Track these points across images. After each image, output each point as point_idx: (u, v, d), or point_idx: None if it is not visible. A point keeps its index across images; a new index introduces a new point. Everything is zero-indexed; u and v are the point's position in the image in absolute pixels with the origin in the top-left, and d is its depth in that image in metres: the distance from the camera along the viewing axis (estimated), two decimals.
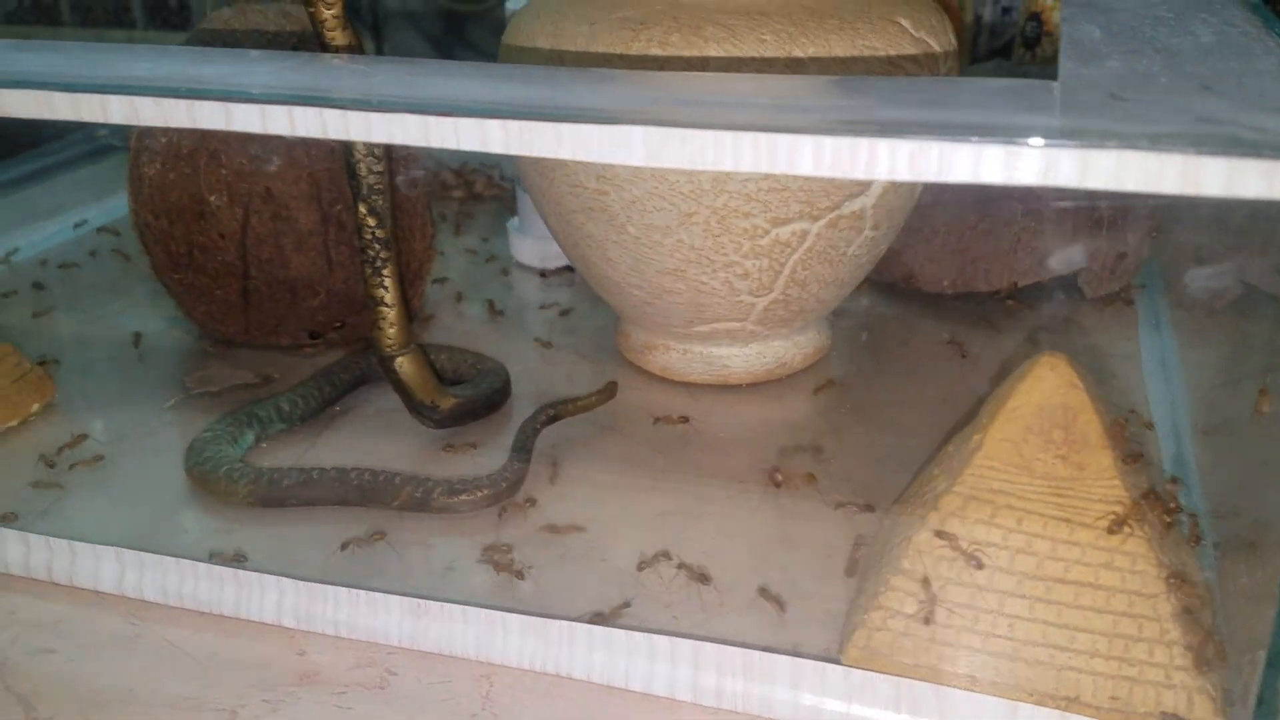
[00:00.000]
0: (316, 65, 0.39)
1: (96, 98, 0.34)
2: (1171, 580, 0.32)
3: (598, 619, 0.40)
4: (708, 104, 0.32)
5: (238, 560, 0.44)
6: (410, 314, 0.53)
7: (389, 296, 0.49)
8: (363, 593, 0.40)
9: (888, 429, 0.53)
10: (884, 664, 0.35)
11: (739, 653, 0.36)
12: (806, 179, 0.46)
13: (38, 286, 0.70)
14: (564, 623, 0.38)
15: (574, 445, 0.52)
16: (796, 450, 0.51)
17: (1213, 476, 0.46)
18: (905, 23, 0.47)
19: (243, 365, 0.59)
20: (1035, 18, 0.85)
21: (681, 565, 0.43)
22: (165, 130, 0.56)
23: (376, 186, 0.48)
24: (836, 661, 0.36)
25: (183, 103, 0.34)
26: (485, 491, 0.47)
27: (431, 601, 0.39)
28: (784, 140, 0.28)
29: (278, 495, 0.47)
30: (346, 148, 0.47)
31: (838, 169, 0.28)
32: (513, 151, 0.31)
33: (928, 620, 0.34)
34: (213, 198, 0.56)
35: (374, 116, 0.32)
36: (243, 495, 0.47)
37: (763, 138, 0.28)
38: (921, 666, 0.35)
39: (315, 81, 0.36)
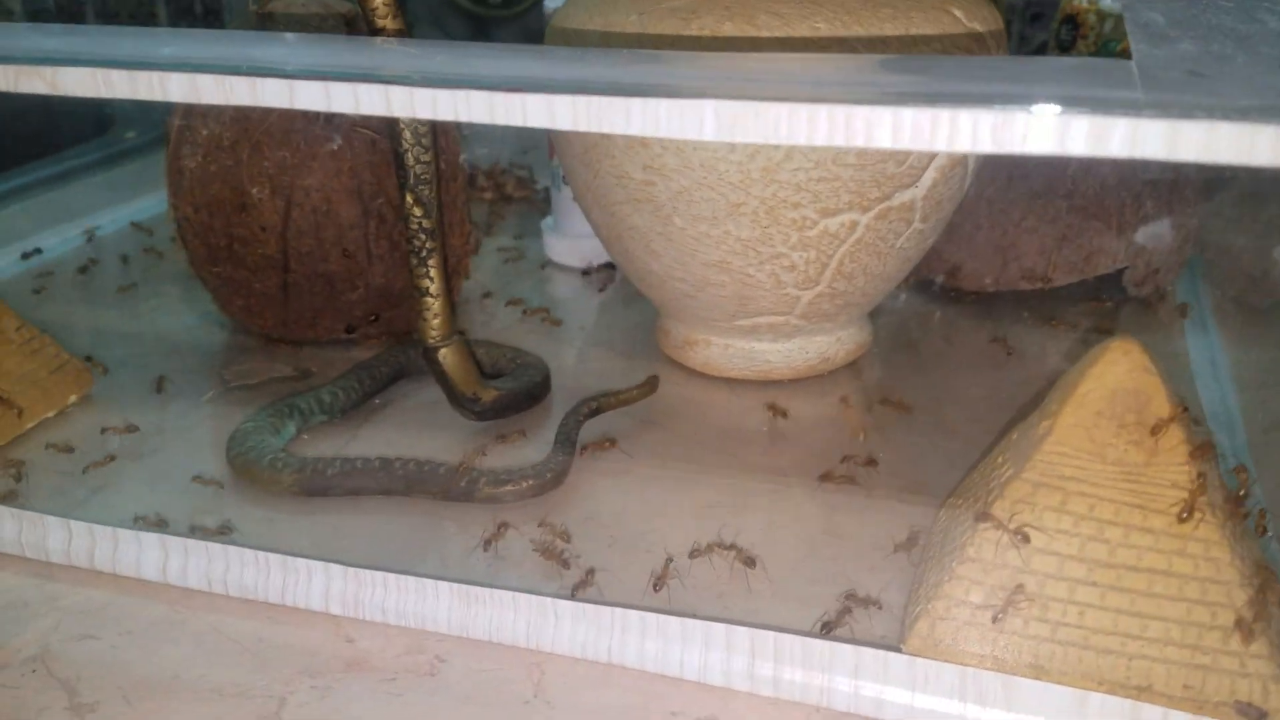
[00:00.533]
0: (373, 47, 0.39)
1: (155, 75, 0.34)
2: (1247, 567, 0.32)
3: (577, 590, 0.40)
4: (779, 80, 0.31)
5: (223, 533, 0.44)
6: (454, 304, 0.52)
7: (434, 287, 0.49)
8: (411, 579, 0.39)
9: (933, 427, 0.52)
10: (947, 653, 0.35)
11: (797, 640, 0.36)
12: (857, 169, 0.46)
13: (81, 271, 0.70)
14: (616, 609, 0.38)
15: (617, 438, 0.52)
16: (842, 445, 0.51)
17: (1271, 473, 0.45)
18: (958, 12, 0.47)
19: (280, 360, 0.59)
20: (1070, 20, 0.85)
21: (732, 546, 0.42)
22: (206, 122, 0.56)
23: (424, 176, 0.47)
24: (899, 650, 0.35)
25: (244, 80, 0.33)
26: (530, 482, 0.46)
27: (481, 588, 0.39)
28: (861, 113, 0.28)
29: (322, 485, 0.46)
30: (393, 137, 0.47)
31: (917, 141, 0.27)
32: (580, 128, 0.31)
33: (1004, 610, 0.33)
34: (254, 190, 0.55)
35: (440, 93, 0.32)
36: (287, 484, 0.46)
37: (840, 110, 0.28)
38: (987, 656, 0.34)
39: (374, 61, 0.36)
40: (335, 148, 0.56)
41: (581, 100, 0.30)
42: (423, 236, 0.48)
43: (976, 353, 0.59)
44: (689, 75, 0.33)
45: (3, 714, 0.36)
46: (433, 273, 0.49)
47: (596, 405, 0.52)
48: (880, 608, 0.39)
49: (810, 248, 0.49)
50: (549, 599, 0.38)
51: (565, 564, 0.42)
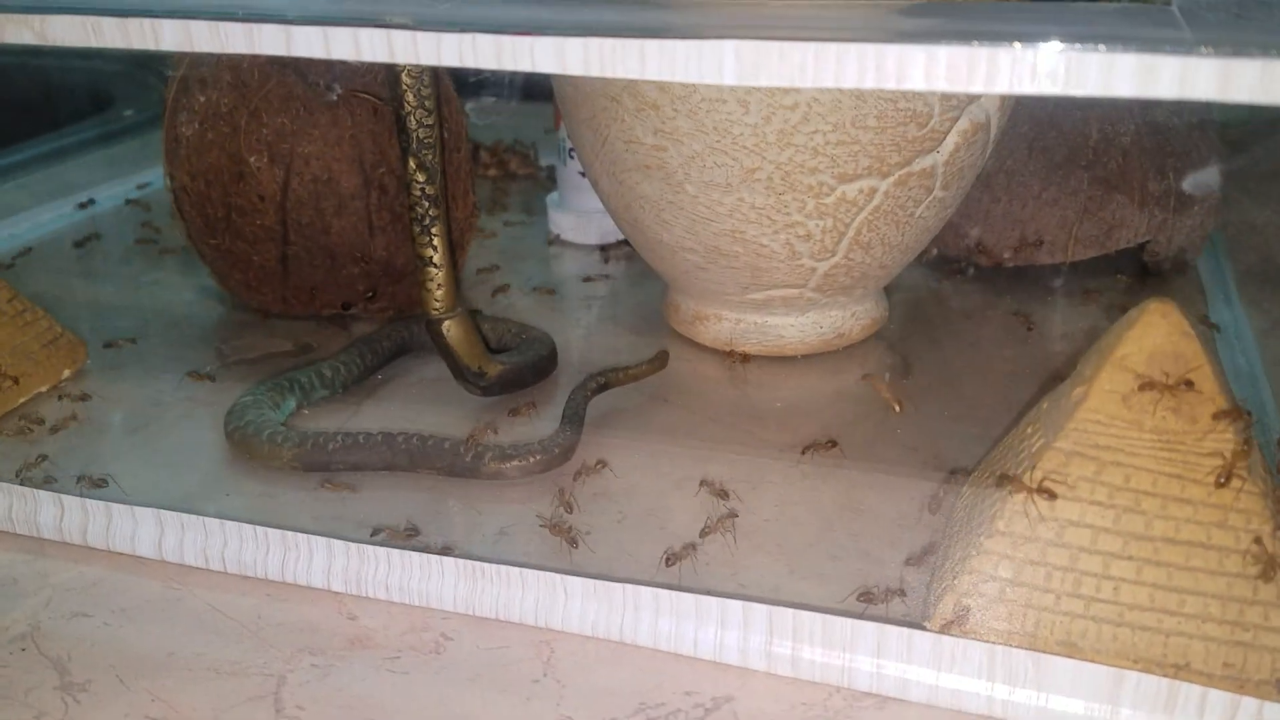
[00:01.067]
0: None
1: (148, 22, 0.33)
2: None
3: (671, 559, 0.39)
4: (801, 24, 0.30)
5: (98, 485, 0.44)
6: (457, 277, 0.51)
7: (438, 257, 0.47)
8: (415, 555, 0.38)
9: (953, 401, 0.50)
10: (974, 631, 0.33)
11: (817, 618, 0.34)
12: (877, 132, 0.44)
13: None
14: (628, 586, 0.36)
15: (625, 415, 0.50)
16: (858, 422, 0.49)
17: None
18: None
19: (278, 335, 0.58)
20: None
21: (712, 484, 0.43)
22: (204, 89, 0.55)
23: (427, 141, 0.46)
24: (923, 628, 0.34)
25: (240, 26, 0.32)
26: (537, 457, 0.45)
27: (487, 564, 0.37)
28: (893, 51, 0.26)
29: (323, 459, 0.45)
30: (396, 100, 0.45)
31: (954, 82, 0.26)
32: (593, 73, 0.29)
33: (1045, 585, 0.31)
34: (252, 158, 0.54)
35: (445, 37, 0.30)
36: (287, 459, 0.45)
37: (870, 49, 0.26)
38: (1017, 633, 0.33)
39: (376, 8, 0.34)
40: (335, 115, 0.54)
41: (594, 43, 0.29)
42: (425, 204, 0.47)
43: (997, 328, 0.57)
44: (708, 18, 0.31)
45: None
46: (436, 242, 0.47)
47: (605, 381, 0.50)
48: (904, 595, 0.38)
49: (827, 216, 0.47)
50: (558, 575, 0.37)
51: (574, 541, 0.41)
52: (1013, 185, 0.58)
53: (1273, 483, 0.32)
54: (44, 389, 0.52)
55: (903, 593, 0.37)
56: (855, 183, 0.46)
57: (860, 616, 0.34)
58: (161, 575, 0.40)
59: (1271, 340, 0.53)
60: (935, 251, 0.62)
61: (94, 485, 0.44)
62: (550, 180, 0.79)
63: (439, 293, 0.48)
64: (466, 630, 0.37)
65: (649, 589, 0.36)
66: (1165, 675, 0.31)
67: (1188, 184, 0.58)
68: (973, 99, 0.46)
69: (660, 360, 0.53)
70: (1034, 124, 0.58)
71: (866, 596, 0.37)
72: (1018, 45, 0.25)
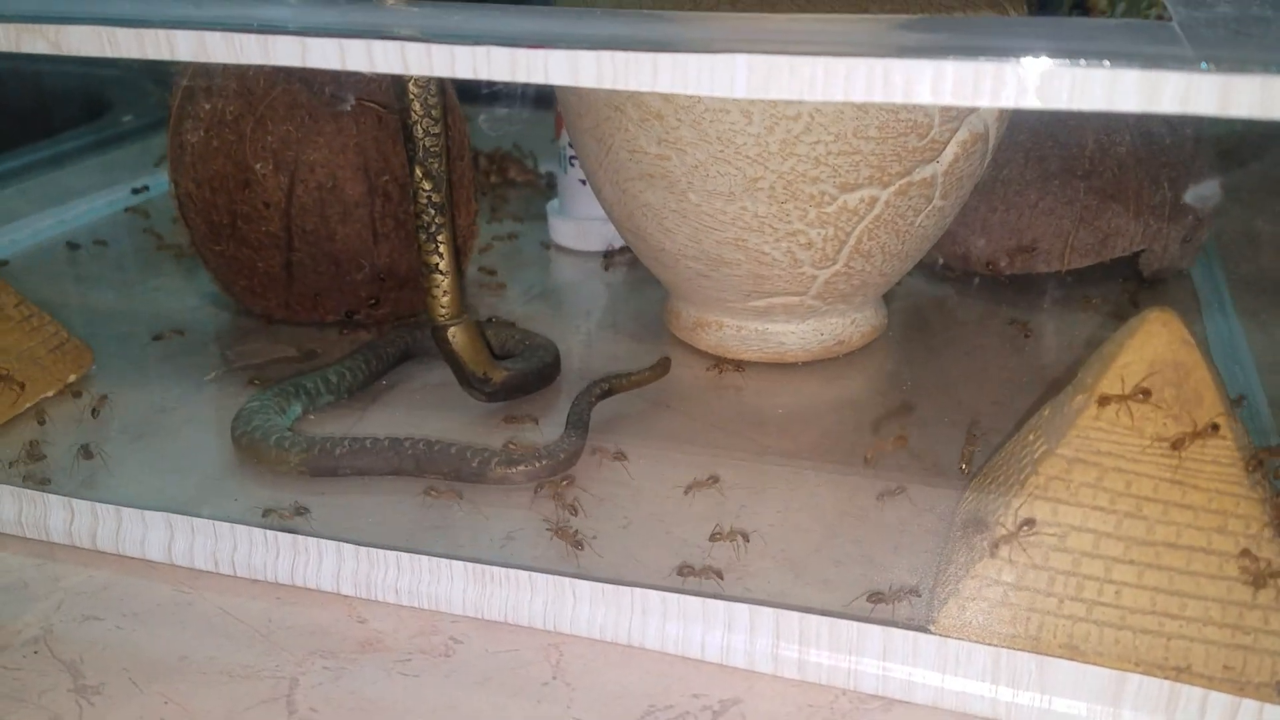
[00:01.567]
0: (385, 8, 0.38)
1: (163, 33, 0.33)
2: None
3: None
4: (810, 38, 0.30)
5: (43, 485, 0.44)
6: (462, 284, 0.51)
7: (443, 264, 0.48)
8: (425, 558, 0.38)
9: (952, 409, 0.51)
10: (978, 634, 0.34)
11: (824, 622, 0.35)
12: (879, 142, 0.45)
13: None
14: (637, 590, 0.37)
15: (629, 420, 0.51)
16: (860, 429, 0.50)
17: None
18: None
19: (283, 341, 0.58)
20: (1080, 6, 0.84)
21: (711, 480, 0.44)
22: (209, 96, 0.55)
23: (433, 149, 0.46)
24: (928, 631, 0.34)
25: (255, 38, 0.32)
26: (543, 463, 0.45)
27: (496, 567, 0.38)
28: (901, 66, 0.27)
29: (330, 464, 0.45)
30: (402, 109, 0.46)
31: (960, 96, 0.26)
32: (605, 85, 0.30)
33: (1048, 589, 0.32)
34: (258, 165, 0.54)
35: (458, 50, 0.30)
36: (294, 464, 0.45)
37: (879, 64, 0.27)
38: (1020, 636, 0.33)
39: (390, 19, 0.35)
40: (340, 123, 0.55)
41: (606, 56, 0.29)
42: (431, 211, 0.47)
43: (994, 336, 0.58)
44: (719, 31, 0.31)
45: (5, 696, 0.35)
46: (442, 249, 0.48)
47: (609, 387, 0.51)
48: (917, 595, 0.38)
49: (828, 224, 0.48)
50: (567, 579, 0.37)
51: (579, 544, 0.41)
52: (1010, 195, 0.59)
53: (1271, 490, 0.33)
54: (50, 394, 0.52)
55: (916, 592, 0.37)
56: (856, 192, 0.46)
57: (866, 620, 0.35)
58: (171, 579, 0.41)
59: (1265, 347, 0.54)
60: (934, 260, 0.63)
61: (87, 457, 0.46)
62: (550, 187, 0.80)
63: (445, 299, 0.49)
64: (476, 633, 0.38)
65: (657, 593, 0.36)
66: (1166, 678, 0.32)
67: (1182, 194, 0.59)
68: (972, 110, 0.46)
69: (662, 367, 0.53)
70: (1031, 135, 0.59)
71: (876, 597, 0.37)
72: (1023, 60, 0.26)
